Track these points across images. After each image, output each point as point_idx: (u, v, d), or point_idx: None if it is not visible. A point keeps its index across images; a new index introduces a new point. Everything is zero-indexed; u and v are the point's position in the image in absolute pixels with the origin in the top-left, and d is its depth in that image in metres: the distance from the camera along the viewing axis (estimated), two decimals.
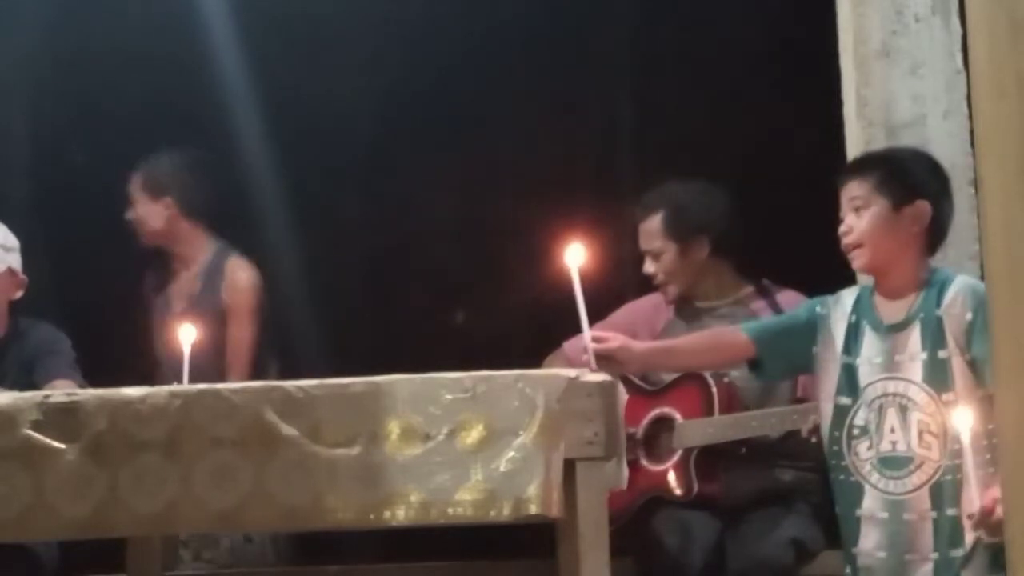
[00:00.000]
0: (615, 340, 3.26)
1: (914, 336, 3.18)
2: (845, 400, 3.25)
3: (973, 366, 3.11)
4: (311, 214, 5.24)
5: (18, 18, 5.16)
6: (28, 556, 3.76)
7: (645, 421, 3.88)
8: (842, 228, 3.27)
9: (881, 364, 3.21)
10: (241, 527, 3.56)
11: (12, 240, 4.01)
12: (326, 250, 4.72)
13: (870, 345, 3.24)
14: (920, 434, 3.14)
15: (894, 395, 3.18)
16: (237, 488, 2.85)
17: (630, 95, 5.47)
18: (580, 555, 2.86)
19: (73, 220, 5.17)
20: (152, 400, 2.89)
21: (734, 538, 3.70)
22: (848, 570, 3.27)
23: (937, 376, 3.14)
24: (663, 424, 3.86)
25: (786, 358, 3.38)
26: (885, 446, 3.18)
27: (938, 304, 3.17)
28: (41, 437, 2.88)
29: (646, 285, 4.08)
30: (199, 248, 4.60)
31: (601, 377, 2.93)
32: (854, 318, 3.29)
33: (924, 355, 3.16)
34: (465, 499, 2.84)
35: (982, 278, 2.63)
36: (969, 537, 3.08)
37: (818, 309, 3.36)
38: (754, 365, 3.41)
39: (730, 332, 3.46)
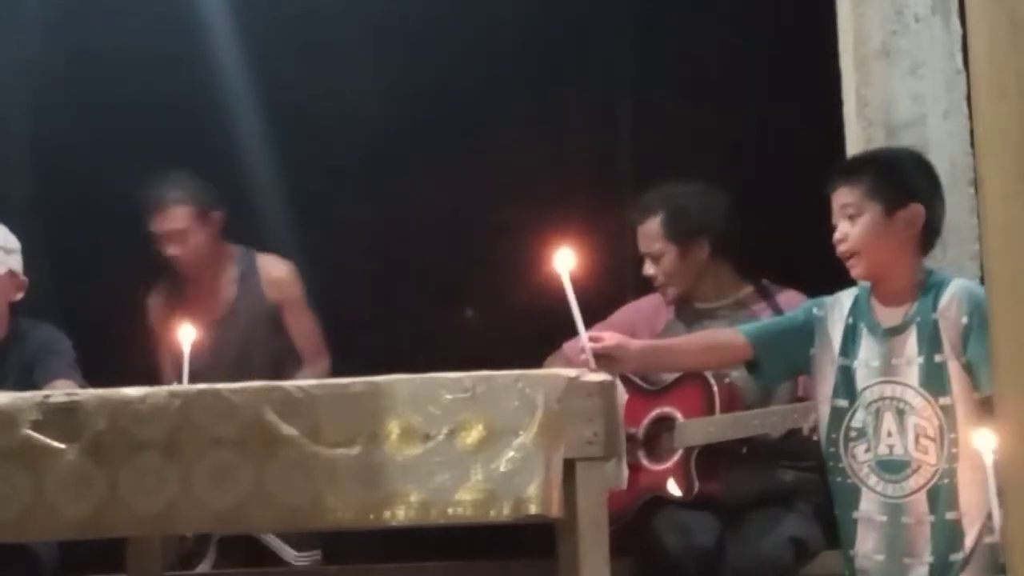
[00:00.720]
0: (611, 339, 3.26)
1: (911, 340, 3.18)
2: (842, 402, 3.25)
3: (969, 370, 3.11)
4: (311, 214, 5.24)
5: (19, 18, 5.17)
6: (28, 556, 3.77)
7: (646, 421, 3.88)
8: (837, 236, 3.25)
9: (878, 368, 3.21)
10: (241, 527, 3.55)
11: (13, 242, 4.01)
12: (326, 250, 4.72)
13: (867, 348, 3.24)
14: (917, 438, 3.14)
15: (891, 399, 3.18)
16: (237, 488, 2.85)
17: (629, 95, 5.47)
18: (580, 555, 2.86)
19: (73, 220, 5.17)
20: (152, 400, 2.89)
21: (734, 538, 3.70)
22: (847, 572, 3.27)
23: (933, 380, 3.14)
24: (664, 424, 3.86)
25: (784, 360, 3.38)
26: (882, 450, 3.18)
27: (934, 308, 3.17)
28: (41, 437, 2.87)
29: (645, 286, 4.07)
30: (228, 255, 4.59)
31: (601, 377, 2.93)
32: (851, 320, 3.28)
33: (920, 359, 3.16)
34: (465, 499, 2.83)
35: (982, 278, 2.63)
36: (968, 540, 3.08)
37: (815, 311, 3.36)
38: (752, 367, 3.42)
39: (728, 333, 3.46)
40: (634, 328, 3.87)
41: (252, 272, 4.57)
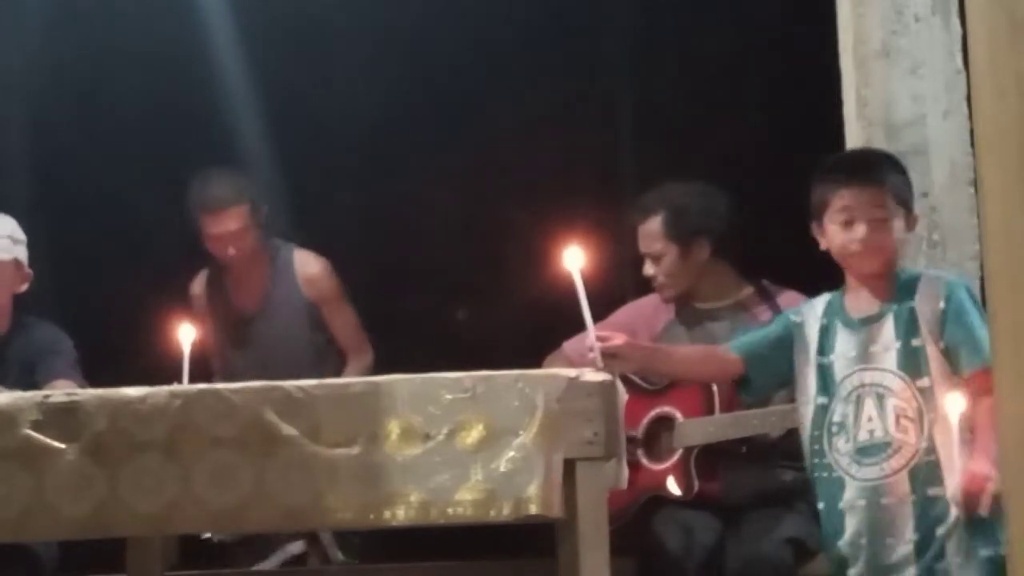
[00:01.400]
0: (619, 337, 3.27)
1: (887, 327, 3.23)
2: (823, 399, 3.31)
3: (947, 353, 3.16)
4: (310, 214, 5.23)
5: (19, 18, 5.17)
6: (28, 556, 3.76)
7: (645, 420, 3.88)
8: (856, 235, 3.25)
9: (856, 357, 3.26)
10: (241, 527, 3.56)
11: (20, 233, 4.04)
12: (326, 250, 4.71)
13: (843, 341, 3.29)
14: (897, 419, 3.19)
15: (870, 385, 3.23)
16: (237, 488, 2.86)
17: (630, 95, 5.47)
18: (580, 555, 2.86)
19: (74, 220, 5.17)
20: (152, 400, 2.89)
21: (734, 537, 3.70)
22: (831, 568, 3.30)
23: (911, 363, 3.19)
24: (663, 423, 3.86)
25: (772, 372, 3.44)
26: (863, 435, 3.22)
27: (911, 297, 3.22)
28: (41, 437, 2.88)
29: (646, 286, 4.07)
30: (264, 248, 4.56)
31: (601, 377, 2.93)
32: (825, 321, 3.34)
33: (898, 344, 3.21)
34: (465, 499, 2.84)
35: (982, 278, 2.63)
36: (952, 514, 3.11)
37: (792, 318, 3.42)
38: (742, 383, 3.47)
39: (721, 350, 3.51)
40: (634, 328, 3.87)
41: (288, 266, 4.56)
